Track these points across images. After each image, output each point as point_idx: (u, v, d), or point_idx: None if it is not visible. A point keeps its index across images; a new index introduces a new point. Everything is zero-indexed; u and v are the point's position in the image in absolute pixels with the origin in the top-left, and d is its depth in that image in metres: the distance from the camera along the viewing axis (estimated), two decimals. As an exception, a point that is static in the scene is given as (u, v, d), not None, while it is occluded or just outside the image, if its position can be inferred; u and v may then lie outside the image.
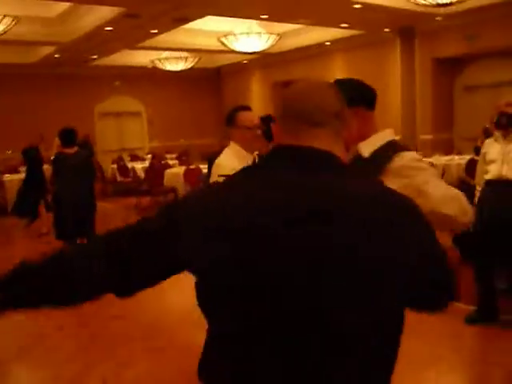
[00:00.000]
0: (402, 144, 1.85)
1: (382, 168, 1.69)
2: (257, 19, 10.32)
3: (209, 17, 10.22)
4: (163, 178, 9.63)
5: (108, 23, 9.59)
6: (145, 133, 16.51)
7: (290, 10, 9.59)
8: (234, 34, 10.91)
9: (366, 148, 1.78)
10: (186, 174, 8.97)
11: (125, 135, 16.09)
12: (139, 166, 11.08)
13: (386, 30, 11.51)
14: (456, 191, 1.69)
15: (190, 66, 13.88)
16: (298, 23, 11.19)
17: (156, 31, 10.71)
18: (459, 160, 8.55)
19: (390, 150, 1.75)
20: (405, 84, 11.80)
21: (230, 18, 10.74)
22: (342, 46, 12.81)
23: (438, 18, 10.37)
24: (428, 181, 1.67)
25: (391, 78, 11.97)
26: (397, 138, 1.94)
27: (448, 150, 10.49)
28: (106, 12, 9.25)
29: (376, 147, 1.78)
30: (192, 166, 9.18)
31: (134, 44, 12.10)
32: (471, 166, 7.78)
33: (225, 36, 10.95)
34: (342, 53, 13.16)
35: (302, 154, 1.08)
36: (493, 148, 3.84)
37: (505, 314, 3.87)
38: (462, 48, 10.88)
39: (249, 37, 10.98)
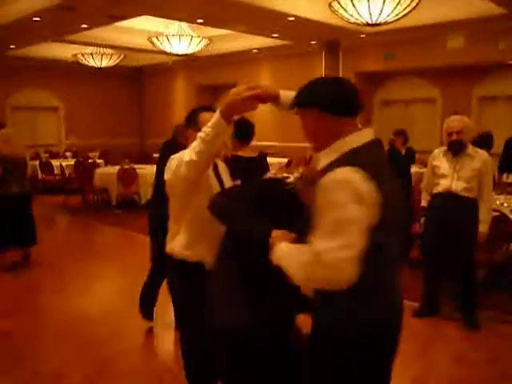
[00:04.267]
0: (361, 156, 1.60)
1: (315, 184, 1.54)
2: (193, 22, 10.37)
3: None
4: (93, 177, 9.37)
5: (37, 13, 9.15)
6: (61, 129, 15.80)
7: (227, 16, 9.75)
8: (167, 35, 10.87)
9: (323, 159, 1.65)
10: (120, 174, 8.80)
11: (38, 131, 15.27)
12: (64, 164, 10.63)
13: (313, 42, 12.05)
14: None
15: (114, 64, 13.58)
16: (231, 30, 11.37)
17: (86, 26, 10.39)
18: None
19: (335, 165, 1.55)
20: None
21: (158, 18, 10.72)
22: (269, 54, 13.19)
23: (362, 36, 11.07)
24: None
25: (315, 89, 12.51)
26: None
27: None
28: (36, 1, 8.82)
29: (332, 159, 1.61)
30: (126, 166, 9.01)
31: (58, 37, 11.62)
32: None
33: (156, 36, 10.87)
34: (269, 61, 13.55)
35: None
36: (442, 163, 4.25)
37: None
38: (381, 65, 11.70)
39: (181, 39, 11.01)
